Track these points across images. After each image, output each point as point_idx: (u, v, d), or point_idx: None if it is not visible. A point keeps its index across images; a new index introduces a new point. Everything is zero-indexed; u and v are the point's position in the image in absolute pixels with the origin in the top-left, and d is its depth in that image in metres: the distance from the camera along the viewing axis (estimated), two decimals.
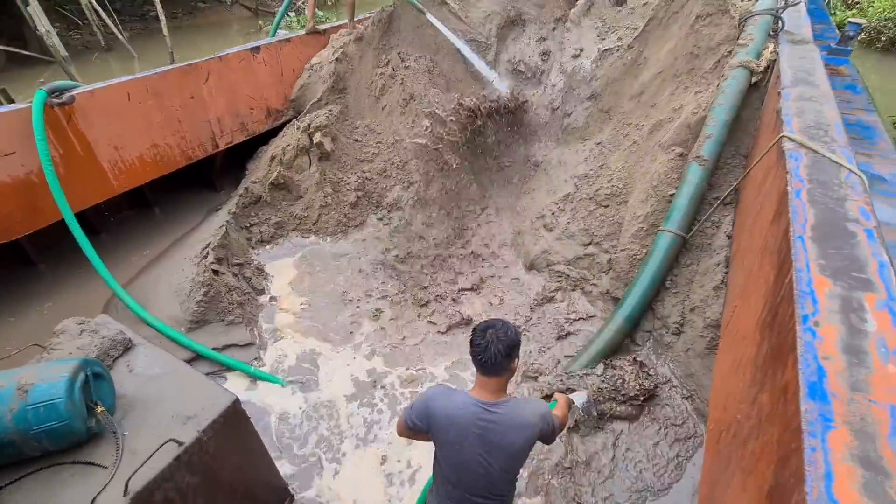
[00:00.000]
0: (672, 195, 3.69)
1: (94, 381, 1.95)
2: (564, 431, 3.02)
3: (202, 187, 5.64)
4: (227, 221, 4.45)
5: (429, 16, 5.99)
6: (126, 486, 1.74)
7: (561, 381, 3.27)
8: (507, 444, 1.72)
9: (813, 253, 1.38)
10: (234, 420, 2.16)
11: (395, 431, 2.02)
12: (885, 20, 9.95)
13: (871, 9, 10.64)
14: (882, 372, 1.03)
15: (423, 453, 3.01)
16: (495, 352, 1.67)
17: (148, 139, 4.40)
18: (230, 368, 3.51)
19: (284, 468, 2.93)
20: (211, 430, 2.03)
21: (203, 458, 2.03)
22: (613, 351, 3.49)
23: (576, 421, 3.05)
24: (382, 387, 3.54)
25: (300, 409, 3.34)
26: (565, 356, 3.70)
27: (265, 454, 2.45)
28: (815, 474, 0.87)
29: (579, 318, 3.97)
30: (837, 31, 7.10)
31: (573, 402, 2.44)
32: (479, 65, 6.24)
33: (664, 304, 3.59)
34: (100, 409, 1.91)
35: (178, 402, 2.10)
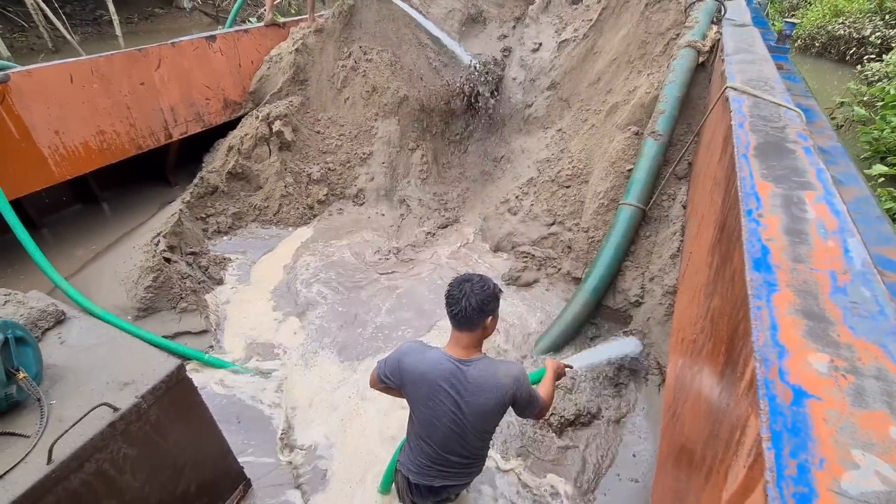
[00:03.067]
0: (630, 170, 3.78)
1: (15, 346, 1.77)
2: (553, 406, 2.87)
3: (155, 182, 5.42)
4: (181, 210, 4.25)
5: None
6: (50, 452, 1.57)
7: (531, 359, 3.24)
8: (479, 403, 1.66)
9: (755, 165, 1.41)
10: (179, 388, 2.01)
11: (368, 383, 1.94)
12: (818, 28, 10.72)
13: (805, 18, 11.45)
14: (822, 246, 1.05)
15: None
16: (466, 305, 1.62)
17: (93, 125, 4.18)
18: (184, 357, 3.30)
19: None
20: (151, 397, 1.88)
21: (143, 427, 1.87)
22: (581, 324, 3.49)
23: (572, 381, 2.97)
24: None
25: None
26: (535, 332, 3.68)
27: (215, 429, 2.29)
28: (761, 326, 0.86)
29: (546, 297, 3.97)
30: (775, 34, 7.61)
31: (568, 368, 2.16)
32: (448, 41, 6.23)
33: (625, 278, 3.64)
34: (21, 374, 1.74)
35: (115, 370, 1.94)
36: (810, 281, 0.96)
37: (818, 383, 0.78)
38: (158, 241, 3.81)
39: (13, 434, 1.67)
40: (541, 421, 2.80)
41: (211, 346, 3.46)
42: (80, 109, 4.05)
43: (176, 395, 2.00)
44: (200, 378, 3.18)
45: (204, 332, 3.52)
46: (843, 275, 0.98)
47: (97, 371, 1.93)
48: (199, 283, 3.86)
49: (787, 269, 0.98)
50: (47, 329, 2.14)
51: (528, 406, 1.74)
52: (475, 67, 5.78)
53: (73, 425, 1.63)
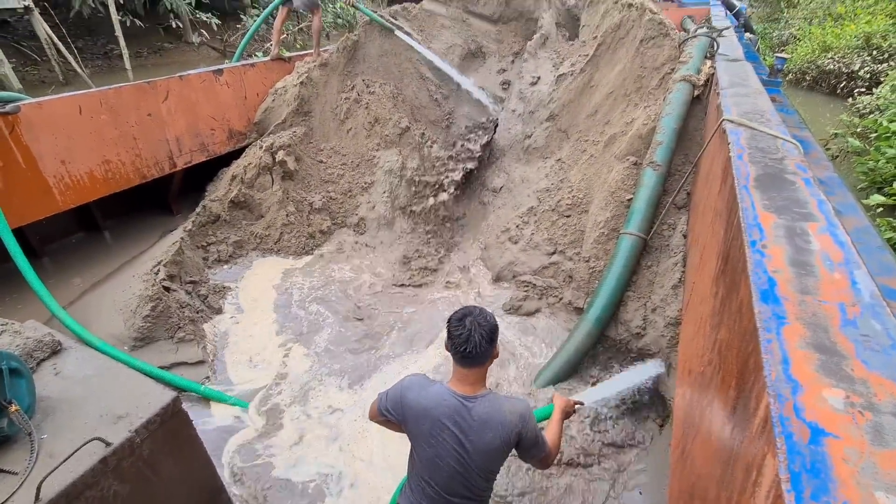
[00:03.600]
0: (630, 200, 3.81)
1: (9, 377, 1.74)
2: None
3: (157, 211, 5.45)
4: (182, 238, 4.26)
5: (399, 32, 6.17)
6: (38, 490, 1.52)
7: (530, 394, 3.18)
8: (485, 441, 1.59)
9: (757, 196, 1.42)
10: (174, 422, 1.96)
11: (368, 415, 1.88)
12: (808, 62, 11.05)
13: (794, 53, 11.82)
14: (829, 278, 1.04)
15: None
16: (479, 339, 1.56)
17: (99, 155, 4.24)
18: (179, 388, 3.24)
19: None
20: (145, 431, 1.83)
21: (135, 463, 1.81)
22: (583, 356, 3.44)
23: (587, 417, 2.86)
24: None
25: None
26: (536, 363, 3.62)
27: (209, 465, 2.22)
28: (773, 360, 0.84)
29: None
30: (767, 69, 7.85)
31: (578, 405, 2.02)
32: (461, 79, 6.41)
33: (627, 309, 3.60)
34: (13, 408, 1.70)
35: (110, 402, 1.89)
36: (819, 313, 0.94)
37: (835, 420, 0.76)
38: (158, 270, 3.81)
39: (1, 471, 1.62)
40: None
41: (207, 377, 3.40)
42: (87, 140, 4.12)
43: (170, 428, 1.94)
44: (195, 411, 3.11)
45: (200, 362, 3.47)
46: (853, 307, 0.97)
47: (91, 403, 1.88)
48: (197, 313, 3.83)
49: (795, 301, 0.97)
50: (43, 360, 2.10)
51: (534, 448, 1.66)
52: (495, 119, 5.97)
53: (63, 461, 1.57)
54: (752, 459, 0.83)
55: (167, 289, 3.71)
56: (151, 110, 4.60)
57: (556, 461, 2.41)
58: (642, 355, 3.29)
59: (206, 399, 3.23)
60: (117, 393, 1.94)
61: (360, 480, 2.75)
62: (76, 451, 1.61)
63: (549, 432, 1.79)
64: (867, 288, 1.02)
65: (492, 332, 1.59)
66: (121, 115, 4.35)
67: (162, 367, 3.28)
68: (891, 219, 5.17)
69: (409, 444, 1.77)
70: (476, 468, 1.64)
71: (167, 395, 1.93)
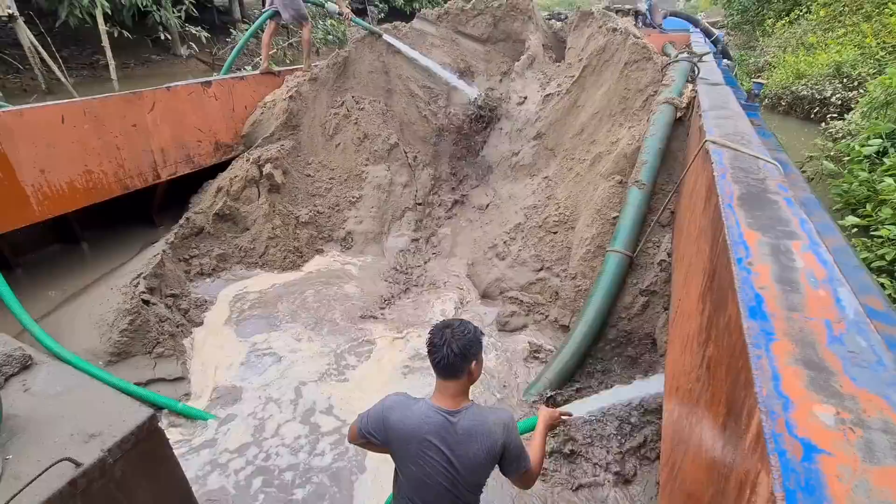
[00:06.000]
0: (615, 218, 3.86)
1: None
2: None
3: (139, 223, 5.33)
4: (164, 251, 4.17)
5: (386, 36, 6.24)
6: None
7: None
8: (471, 455, 1.58)
9: (741, 215, 1.45)
10: (150, 441, 1.87)
11: (347, 438, 1.82)
12: (783, 88, 11.48)
13: (770, 79, 12.28)
14: (814, 295, 1.05)
15: None
16: (448, 352, 1.56)
17: (81, 165, 4.15)
18: (156, 405, 3.12)
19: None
20: (118, 451, 1.74)
21: (106, 485, 1.73)
22: (573, 372, 3.43)
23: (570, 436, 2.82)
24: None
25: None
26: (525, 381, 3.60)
27: (186, 487, 2.13)
28: (763, 377, 0.84)
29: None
30: (745, 93, 8.15)
31: (565, 416, 1.99)
32: (451, 77, 6.52)
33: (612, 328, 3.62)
34: None
35: (82, 420, 1.80)
36: (806, 330, 0.96)
37: (827, 437, 0.76)
38: (138, 283, 3.71)
39: None
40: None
41: (187, 395, 3.29)
42: (68, 149, 4.03)
43: (145, 448, 1.86)
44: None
45: (180, 378, 3.36)
46: (838, 324, 0.98)
47: (62, 421, 1.80)
48: (177, 327, 3.73)
49: (783, 317, 0.99)
50: (11, 375, 2.01)
51: (517, 461, 1.64)
52: (479, 100, 6.21)
53: (28, 484, 1.49)
54: (745, 476, 0.82)
55: (146, 302, 3.61)
56: (137, 121, 4.54)
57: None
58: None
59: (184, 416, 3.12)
60: (90, 410, 1.85)
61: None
62: (43, 472, 1.52)
63: (532, 446, 1.76)
64: (851, 305, 1.04)
65: (466, 346, 1.57)
66: (105, 125, 4.28)
67: (139, 384, 3.17)
68: (865, 239, 5.32)
69: (393, 463, 1.73)
70: (464, 483, 1.61)
71: (143, 413, 1.85)
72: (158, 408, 3.09)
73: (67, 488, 1.59)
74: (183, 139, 5.04)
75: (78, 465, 1.63)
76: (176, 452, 2.04)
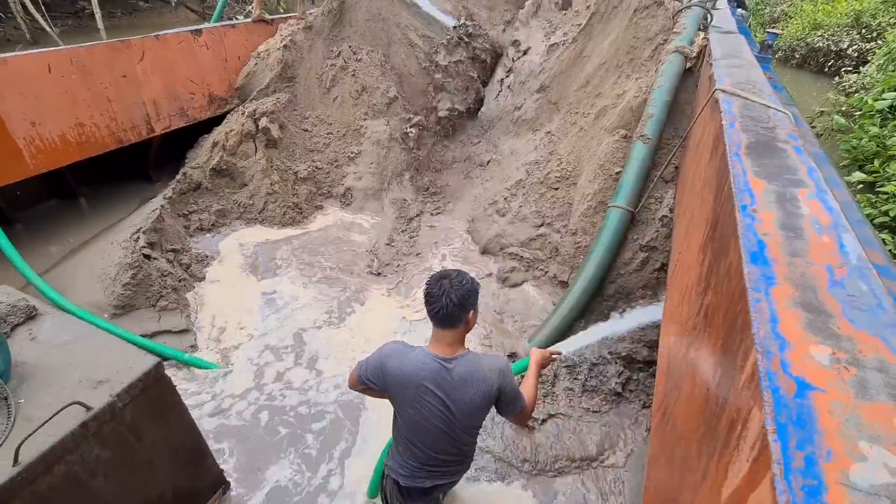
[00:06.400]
0: (618, 173, 3.79)
1: None
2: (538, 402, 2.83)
3: (136, 178, 5.27)
4: (162, 206, 4.14)
5: None
6: (16, 453, 1.49)
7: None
8: (467, 399, 1.63)
9: (748, 163, 1.41)
10: (157, 386, 1.93)
11: (347, 384, 1.88)
12: (798, 39, 11.02)
13: (785, 30, 11.76)
14: (818, 241, 1.04)
15: None
16: (447, 301, 1.58)
17: (72, 117, 4.04)
18: (162, 356, 3.19)
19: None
20: (127, 396, 1.80)
21: (117, 428, 1.79)
22: (571, 326, 3.48)
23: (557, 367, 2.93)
24: None
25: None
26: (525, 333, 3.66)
27: (195, 431, 2.21)
28: (761, 319, 0.85)
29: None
30: (758, 45, 7.81)
31: (556, 355, 2.09)
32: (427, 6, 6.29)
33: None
34: None
35: (89, 368, 1.85)
36: (808, 275, 0.95)
37: (821, 375, 0.77)
38: (138, 238, 3.70)
39: None
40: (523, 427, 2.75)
41: (192, 346, 3.36)
42: (58, 100, 3.92)
43: (153, 394, 1.92)
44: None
45: (185, 331, 3.42)
46: (840, 269, 0.97)
47: (69, 369, 1.84)
48: (179, 281, 3.75)
49: (785, 262, 0.98)
50: (17, 325, 2.04)
51: (513, 403, 1.70)
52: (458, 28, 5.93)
53: (42, 425, 1.54)
54: (737, 414, 0.84)
55: (147, 256, 3.61)
56: (126, 71, 4.39)
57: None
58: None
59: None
60: (97, 359, 1.89)
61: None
62: (55, 414, 1.57)
63: (525, 385, 1.83)
64: (854, 251, 1.03)
65: (465, 296, 1.60)
66: (94, 76, 4.13)
67: (144, 336, 3.23)
68: (870, 195, 5.27)
69: (392, 408, 1.79)
70: (460, 426, 1.68)
71: (149, 361, 1.90)
72: (164, 358, 3.16)
73: (79, 430, 1.64)
74: (175, 91, 4.89)
75: (88, 408, 1.68)
76: (184, 401, 2.09)
